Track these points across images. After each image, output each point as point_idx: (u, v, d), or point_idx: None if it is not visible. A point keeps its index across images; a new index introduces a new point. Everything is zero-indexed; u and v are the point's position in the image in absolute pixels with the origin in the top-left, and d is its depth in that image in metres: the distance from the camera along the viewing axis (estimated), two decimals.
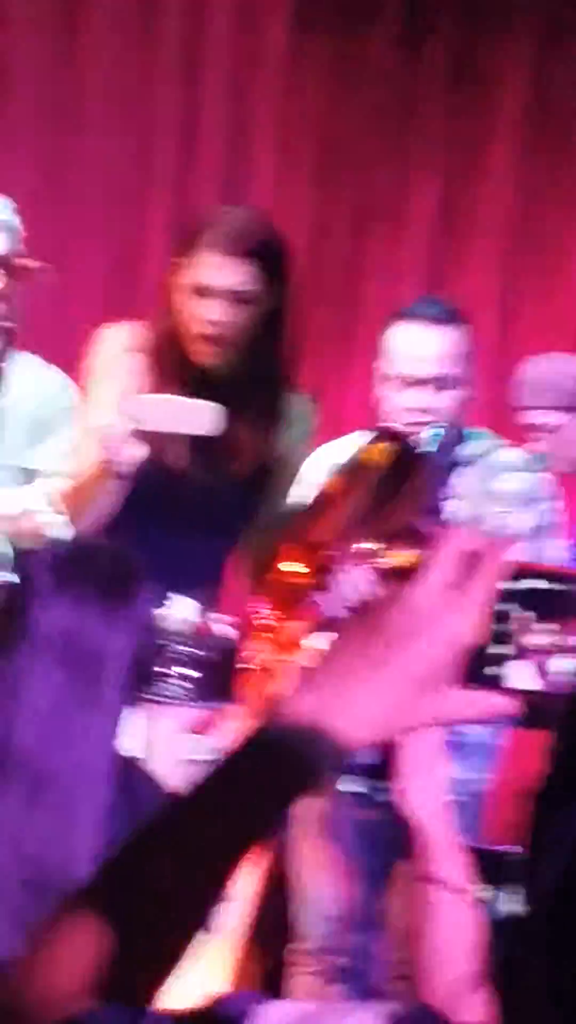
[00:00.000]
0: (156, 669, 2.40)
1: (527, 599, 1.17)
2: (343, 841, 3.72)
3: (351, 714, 1.13)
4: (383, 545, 3.13)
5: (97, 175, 5.30)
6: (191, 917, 1.11)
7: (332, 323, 5.25)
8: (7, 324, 3.42)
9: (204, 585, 3.27)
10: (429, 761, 1.66)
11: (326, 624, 3.16)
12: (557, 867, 1.11)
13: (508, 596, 1.16)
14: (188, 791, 1.14)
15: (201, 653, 2.42)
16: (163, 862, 1.11)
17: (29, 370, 3.53)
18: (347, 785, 3.66)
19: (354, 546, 3.14)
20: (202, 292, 3.27)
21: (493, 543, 1.15)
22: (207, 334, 3.28)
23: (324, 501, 3.16)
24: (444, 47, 5.30)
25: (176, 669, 2.39)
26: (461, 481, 3.69)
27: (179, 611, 2.80)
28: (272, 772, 1.12)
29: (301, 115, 5.36)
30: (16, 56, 5.26)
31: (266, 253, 3.30)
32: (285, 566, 3.17)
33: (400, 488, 3.15)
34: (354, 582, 3.11)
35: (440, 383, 3.64)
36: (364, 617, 1.16)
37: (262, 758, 1.12)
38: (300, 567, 3.16)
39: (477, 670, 1.15)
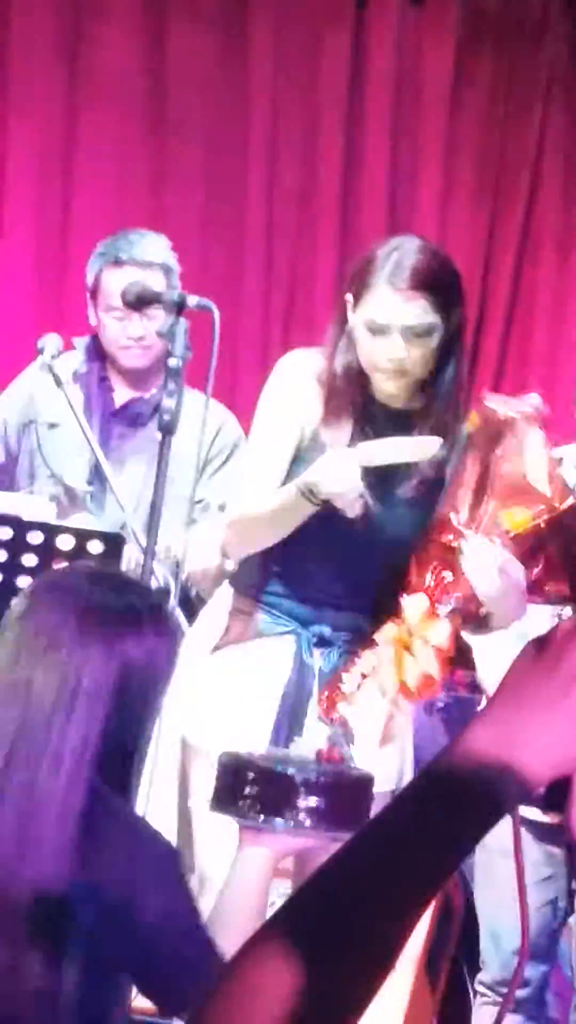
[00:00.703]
0: (280, 797, 2.33)
1: None
2: (523, 871, 3.68)
3: (534, 749, 1.11)
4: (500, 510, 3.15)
5: (262, 208, 5.35)
6: (382, 954, 1.09)
7: (497, 351, 5.24)
8: (174, 362, 3.44)
9: (372, 600, 3.30)
10: None
11: (462, 599, 3.17)
12: None
13: None
14: (373, 825, 1.13)
15: (328, 781, 2.37)
16: (353, 895, 1.09)
17: (196, 407, 3.56)
18: (527, 815, 3.64)
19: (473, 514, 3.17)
20: (379, 330, 3.21)
21: None
22: (387, 369, 3.23)
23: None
24: None
25: (302, 798, 2.33)
26: None
27: (310, 740, 2.78)
28: (458, 808, 1.11)
29: (468, 139, 5.36)
30: (181, 91, 5.34)
31: (440, 285, 3.23)
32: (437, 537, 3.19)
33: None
34: (478, 548, 3.13)
35: None
36: (543, 649, 1.14)
37: (448, 793, 1.11)
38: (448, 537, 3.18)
39: None
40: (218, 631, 3.41)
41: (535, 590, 3.19)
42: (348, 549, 3.29)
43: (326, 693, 3.20)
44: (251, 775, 2.36)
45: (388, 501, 3.29)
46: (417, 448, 3.19)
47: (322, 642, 3.32)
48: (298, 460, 3.29)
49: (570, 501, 3.15)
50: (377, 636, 3.16)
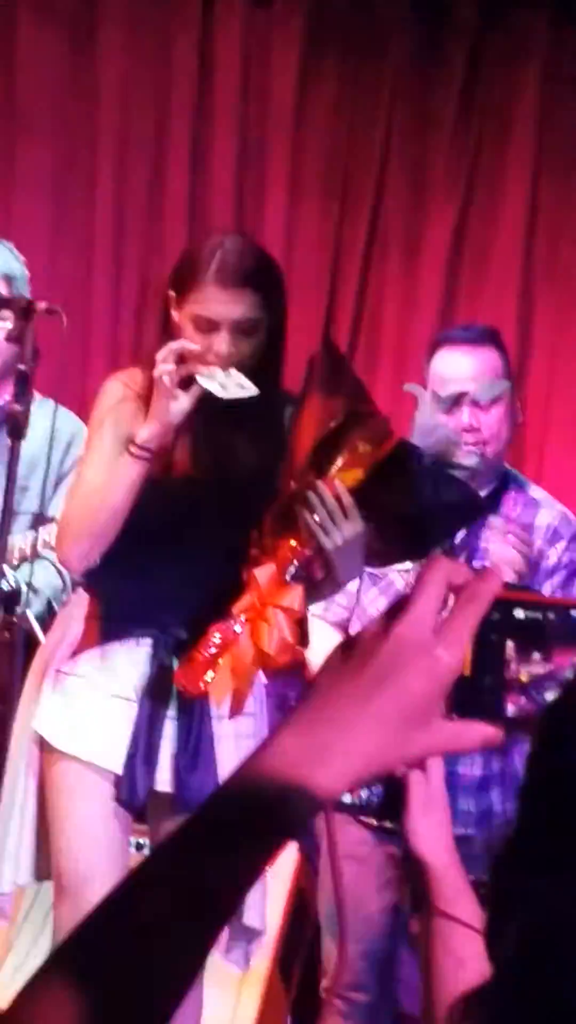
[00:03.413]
0: None
1: (516, 629, 1.17)
2: (367, 877, 3.72)
3: (331, 762, 1.09)
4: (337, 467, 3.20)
5: (110, 211, 5.34)
6: (165, 985, 1.06)
7: (348, 351, 5.27)
8: (22, 367, 3.44)
9: (223, 588, 3.30)
10: (435, 798, 1.67)
11: (306, 562, 3.21)
12: (520, 935, 1.10)
13: (497, 626, 1.16)
14: (161, 847, 1.10)
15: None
16: (134, 922, 1.06)
17: (47, 415, 3.56)
18: (369, 821, 3.67)
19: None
20: (206, 326, 3.26)
21: (482, 573, 1.13)
22: (215, 364, 3.26)
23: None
24: (457, 72, 5.31)
25: None
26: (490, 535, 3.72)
27: None
28: (245, 831, 1.08)
29: (314, 142, 5.39)
30: (29, 92, 5.31)
31: (265, 280, 3.31)
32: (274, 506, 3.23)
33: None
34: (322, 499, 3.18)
35: (475, 403, 3.72)
36: (348, 652, 1.12)
37: (235, 816, 1.09)
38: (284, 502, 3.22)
39: (466, 701, 1.14)
40: (74, 636, 3.40)
41: (369, 551, 3.24)
42: (195, 541, 3.32)
43: (185, 671, 3.21)
44: None
45: (225, 487, 3.33)
46: (233, 381, 3.24)
47: (180, 645, 3.33)
48: None
49: (390, 448, 3.20)
50: (233, 610, 3.18)
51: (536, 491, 3.93)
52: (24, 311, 3.50)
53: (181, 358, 3.23)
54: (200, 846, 1.08)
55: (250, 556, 3.21)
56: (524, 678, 1.18)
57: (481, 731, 1.12)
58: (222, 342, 3.25)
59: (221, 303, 3.25)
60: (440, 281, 5.33)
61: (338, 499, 3.16)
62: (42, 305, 3.43)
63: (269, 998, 3.94)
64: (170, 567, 3.35)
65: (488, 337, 3.87)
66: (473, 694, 1.16)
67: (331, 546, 3.17)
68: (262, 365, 3.31)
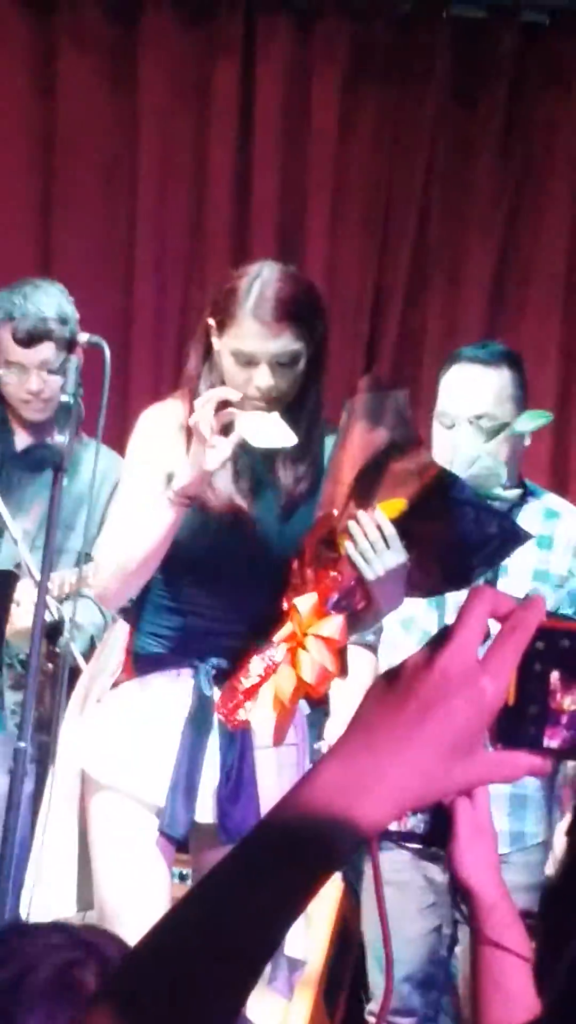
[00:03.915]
0: None
1: (561, 658, 1.16)
2: (408, 901, 3.72)
3: (378, 793, 1.08)
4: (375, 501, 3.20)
5: (152, 241, 5.36)
6: (209, 1020, 1.06)
7: (391, 379, 5.28)
8: (65, 399, 3.46)
9: (262, 618, 3.30)
10: (482, 827, 1.66)
11: (347, 592, 3.21)
12: (572, 970, 1.09)
13: (541, 656, 1.16)
14: (203, 882, 1.09)
15: None
16: (177, 958, 1.05)
17: (93, 456, 3.58)
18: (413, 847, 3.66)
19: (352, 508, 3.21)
20: (246, 360, 3.23)
21: (526, 602, 1.12)
22: (255, 398, 3.24)
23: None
24: (499, 100, 5.33)
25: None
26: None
27: None
28: (288, 864, 1.07)
29: (356, 171, 5.41)
30: (69, 123, 5.34)
31: (303, 312, 3.26)
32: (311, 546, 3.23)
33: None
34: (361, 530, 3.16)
35: (482, 423, 3.67)
36: (391, 682, 1.11)
37: (277, 849, 1.08)
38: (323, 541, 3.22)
39: (510, 731, 1.13)
40: (115, 667, 3.41)
41: (410, 582, 3.24)
42: (235, 572, 3.32)
43: (225, 700, 3.21)
44: None
45: (265, 519, 3.32)
46: (271, 428, 3.20)
47: (220, 675, 3.34)
48: None
49: (431, 476, 3.20)
50: (274, 639, 3.18)
51: (555, 501, 3.88)
52: (67, 344, 3.54)
53: (221, 403, 3.19)
54: (243, 881, 1.08)
55: (290, 586, 3.22)
56: (569, 707, 1.17)
57: (526, 761, 1.12)
58: (262, 376, 3.23)
59: (260, 338, 3.22)
60: (483, 310, 5.35)
61: (380, 529, 3.16)
62: (84, 337, 3.46)
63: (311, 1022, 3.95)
64: (209, 597, 3.35)
65: (502, 357, 3.78)
66: (517, 724, 1.14)
67: (373, 576, 3.16)
68: (302, 395, 3.29)
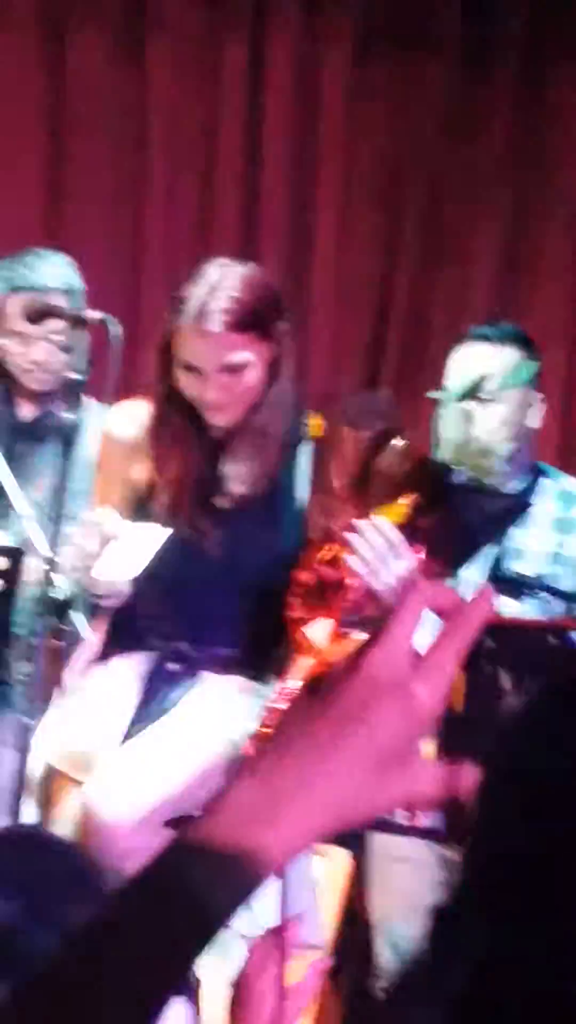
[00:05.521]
0: None
1: (513, 658, 1.09)
2: (420, 876, 3.72)
3: (289, 816, 0.97)
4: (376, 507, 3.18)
5: (160, 221, 5.36)
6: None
7: (399, 356, 5.27)
8: (75, 376, 3.46)
9: (250, 621, 3.32)
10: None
11: (359, 607, 3.19)
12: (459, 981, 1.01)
13: (491, 655, 1.08)
14: (86, 926, 0.98)
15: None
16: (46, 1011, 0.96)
17: (102, 421, 3.58)
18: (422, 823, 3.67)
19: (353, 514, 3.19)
20: (194, 370, 3.19)
21: (473, 597, 1.02)
22: (206, 405, 3.21)
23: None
24: (509, 77, 5.31)
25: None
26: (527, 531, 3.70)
27: None
28: (175, 916, 0.97)
29: (366, 148, 5.39)
30: (79, 104, 5.34)
31: (252, 319, 3.18)
32: (313, 558, 3.21)
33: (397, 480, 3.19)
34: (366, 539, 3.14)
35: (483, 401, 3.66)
36: (315, 690, 1.01)
37: (167, 896, 0.97)
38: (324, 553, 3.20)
39: (457, 740, 1.07)
40: (88, 656, 3.44)
41: (425, 574, 3.22)
42: (205, 582, 3.33)
43: (253, 746, 3.19)
44: None
45: (226, 524, 3.32)
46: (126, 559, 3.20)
47: (180, 656, 3.34)
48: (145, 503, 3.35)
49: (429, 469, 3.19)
50: (290, 677, 3.14)
51: (571, 483, 3.82)
52: (76, 321, 3.53)
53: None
54: (130, 929, 0.97)
55: (295, 619, 3.18)
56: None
57: (472, 774, 1.01)
58: (208, 389, 3.19)
59: (204, 349, 3.16)
60: (491, 288, 5.33)
61: (384, 537, 3.14)
62: (93, 315, 3.45)
63: (322, 1005, 3.95)
64: (184, 593, 3.36)
65: (510, 336, 3.76)
66: (464, 731, 1.07)
67: (383, 587, 3.14)
68: (266, 393, 3.25)
